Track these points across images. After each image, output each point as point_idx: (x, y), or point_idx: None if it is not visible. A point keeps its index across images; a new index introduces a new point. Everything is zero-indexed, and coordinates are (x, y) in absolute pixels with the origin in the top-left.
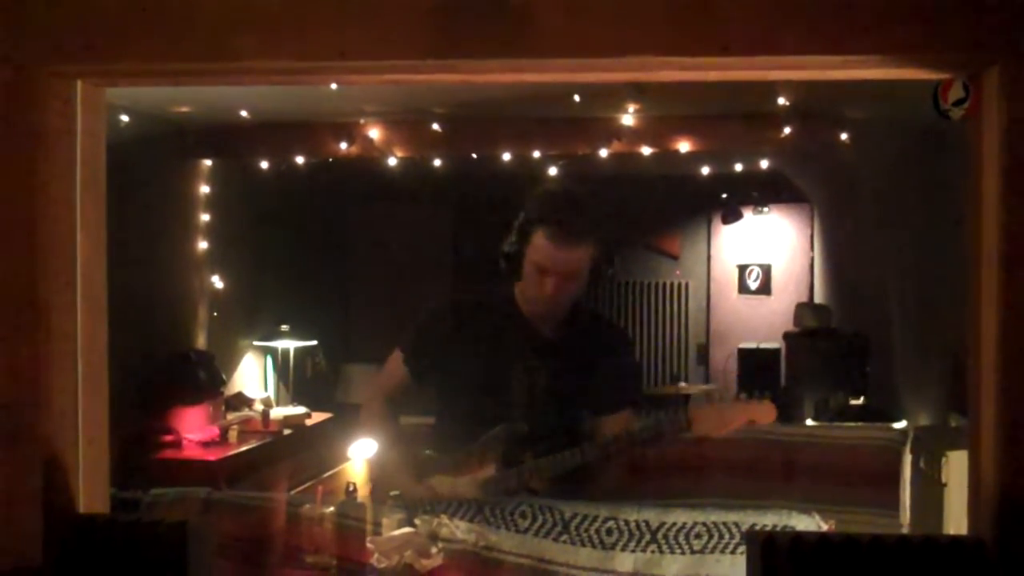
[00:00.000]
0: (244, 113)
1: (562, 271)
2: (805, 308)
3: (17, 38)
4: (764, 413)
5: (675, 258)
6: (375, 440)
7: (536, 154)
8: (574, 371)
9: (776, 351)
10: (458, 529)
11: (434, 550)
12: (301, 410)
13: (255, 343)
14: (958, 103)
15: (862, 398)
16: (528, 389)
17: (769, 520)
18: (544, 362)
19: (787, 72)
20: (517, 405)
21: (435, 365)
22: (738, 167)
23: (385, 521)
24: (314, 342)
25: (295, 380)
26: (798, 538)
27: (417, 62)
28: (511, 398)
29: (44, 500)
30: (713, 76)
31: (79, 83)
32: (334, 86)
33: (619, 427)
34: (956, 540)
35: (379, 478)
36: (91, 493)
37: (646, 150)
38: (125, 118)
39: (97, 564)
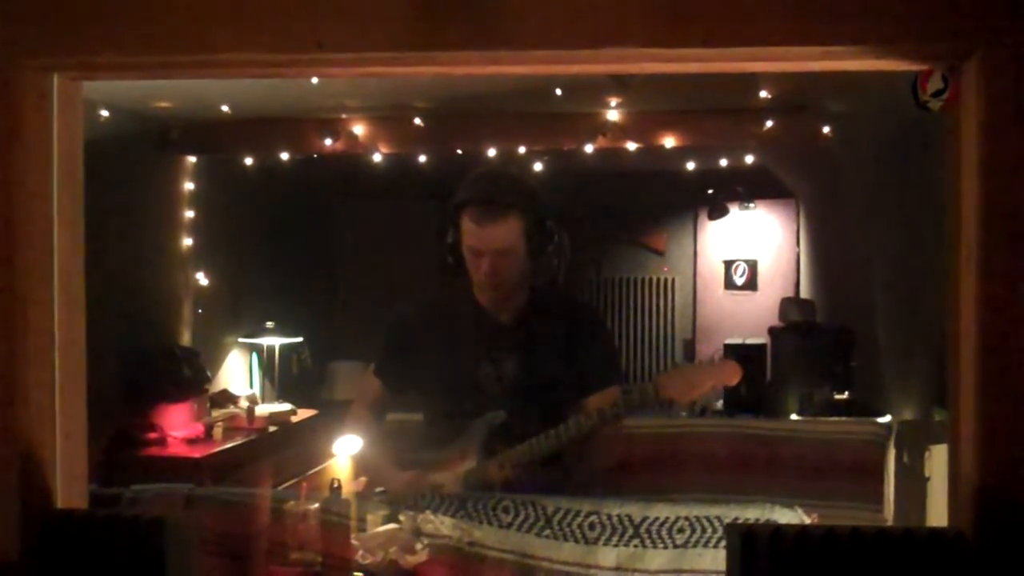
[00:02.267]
0: (226, 108)
1: (492, 249)
2: (790, 303)
3: None
4: (729, 374)
5: (661, 254)
6: (364, 449)
7: (521, 150)
8: (543, 356)
9: (762, 346)
10: (442, 525)
11: (419, 546)
12: (286, 407)
13: (240, 340)
14: (937, 94)
15: (847, 392)
16: (498, 380)
17: (751, 514)
18: (510, 351)
19: (767, 64)
20: (493, 398)
21: (406, 374)
22: (723, 162)
23: (370, 517)
24: (300, 339)
25: (280, 377)
26: (778, 531)
27: (396, 54)
28: (486, 392)
29: (21, 495)
30: (693, 68)
31: (55, 77)
32: (314, 80)
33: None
34: (936, 532)
35: (369, 478)
36: (69, 488)
37: (631, 145)
38: (106, 113)
39: (74, 559)
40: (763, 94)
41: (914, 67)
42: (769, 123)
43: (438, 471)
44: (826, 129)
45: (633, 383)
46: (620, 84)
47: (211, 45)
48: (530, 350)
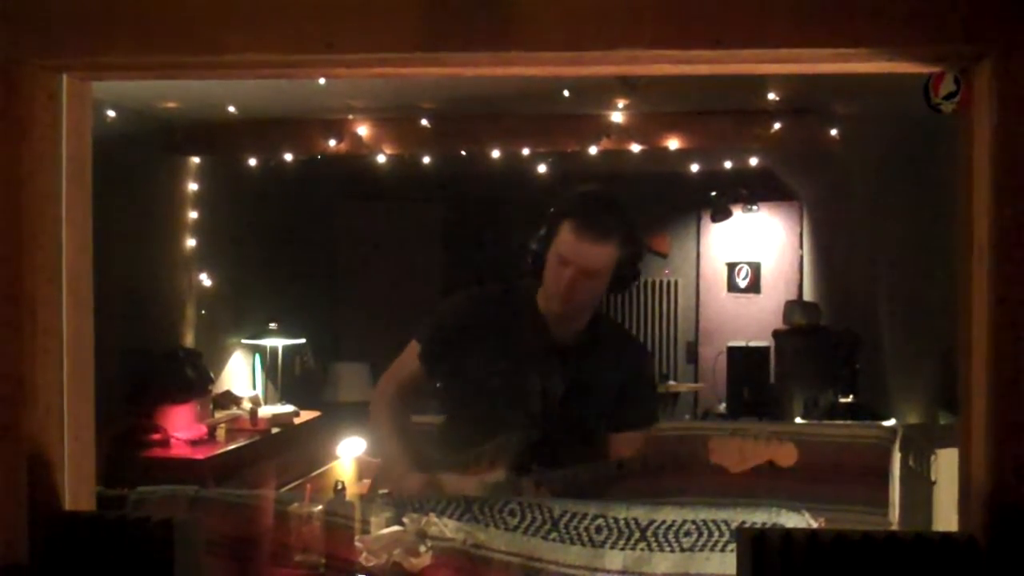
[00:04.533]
0: (232, 109)
1: (583, 265)
2: (795, 306)
3: (1, 31)
4: (785, 455)
5: (664, 256)
6: (382, 430)
7: (525, 151)
8: (590, 382)
9: (766, 349)
10: (446, 527)
11: (423, 548)
12: (289, 408)
13: (243, 341)
14: (949, 96)
15: (851, 396)
16: (541, 396)
17: (759, 518)
18: (559, 369)
19: (778, 65)
20: (530, 412)
21: (449, 362)
22: (727, 164)
23: (373, 519)
24: (302, 340)
25: (283, 378)
26: (788, 535)
27: (405, 55)
28: (524, 404)
29: (29, 497)
30: (704, 70)
31: (64, 76)
32: (322, 81)
33: (633, 447)
34: (947, 537)
35: (381, 469)
36: (77, 490)
37: (635, 147)
38: (112, 114)
39: (83, 561)
40: (771, 96)
41: (926, 70)
42: (776, 125)
43: (461, 475)
44: (834, 131)
45: (681, 443)
46: (626, 86)
47: (221, 46)
48: (579, 374)
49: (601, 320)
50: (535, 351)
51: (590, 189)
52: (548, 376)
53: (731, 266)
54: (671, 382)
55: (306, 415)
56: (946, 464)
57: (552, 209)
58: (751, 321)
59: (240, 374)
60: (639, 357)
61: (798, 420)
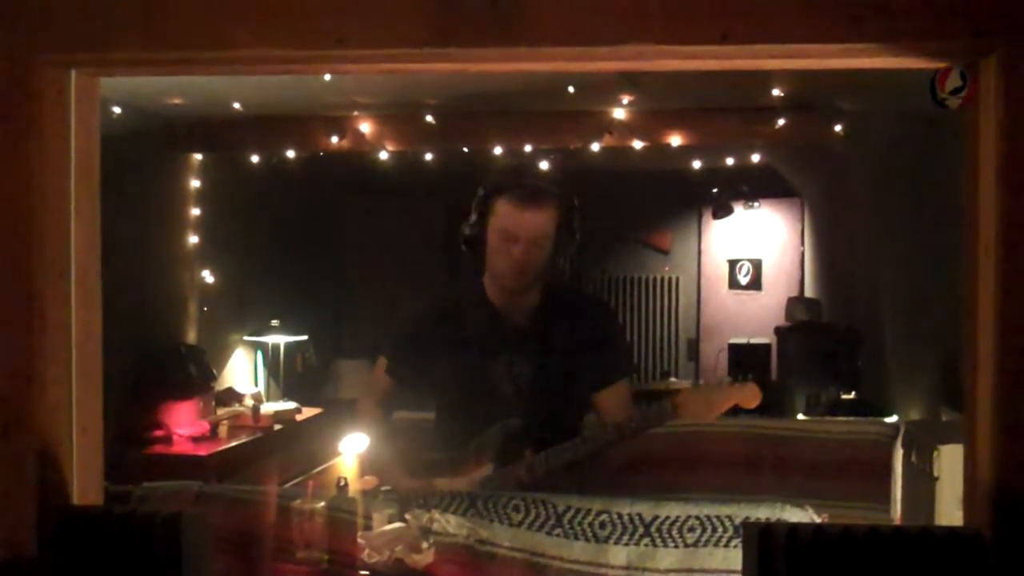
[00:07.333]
0: (236, 106)
1: (529, 234)
2: (796, 302)
3: (10, 27)
4: (749, 396)
5: (665, 253)
6: (371, 440)
7: (528, 148)
8: (555, 355)
9: (767, 346)
10: (449, 524)
11: (425, 545)
12: (291, 405)
13: (245, 338)
14: (956, 91)
15: (853, 392)
16: (512, 383)
17: (762, 513)
18: (523, 354)
19: (786, 61)
20: (506, 401)
21: (417, 371)
22: (729, 161)
23: (376, 516)
24: (304, 337)
25: (285, 375)
26: (794, 529)
27: (414, 50)
28: (499, 395)
29: (38, 491)
30: (711, 65)
31: (73, 72)
32: (327, 77)
33: (621, 400)
34: (953, 532)
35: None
36: (85, 484)
37: (638, 144)
38: (117, 110)
39: (91, 555)
40: (775, 92)
41: (933, 65)
42: (780, 121)
43: (451, 476)
44: (837, 127)
45: (652, 403)
46: (627, 82)
47: (230, 41)
48: (543, 353)
49: (552, 290)
50: (493, 341)
51: (514, 163)
52: (513, 362)
53: (732, 263)
54: (672, 379)
55: (308, 412)
56: (949, 460)
57: (480, 192)
58: (752, 318)
59: (242, 371)
60: (596, 310)
61: (800, 417)
